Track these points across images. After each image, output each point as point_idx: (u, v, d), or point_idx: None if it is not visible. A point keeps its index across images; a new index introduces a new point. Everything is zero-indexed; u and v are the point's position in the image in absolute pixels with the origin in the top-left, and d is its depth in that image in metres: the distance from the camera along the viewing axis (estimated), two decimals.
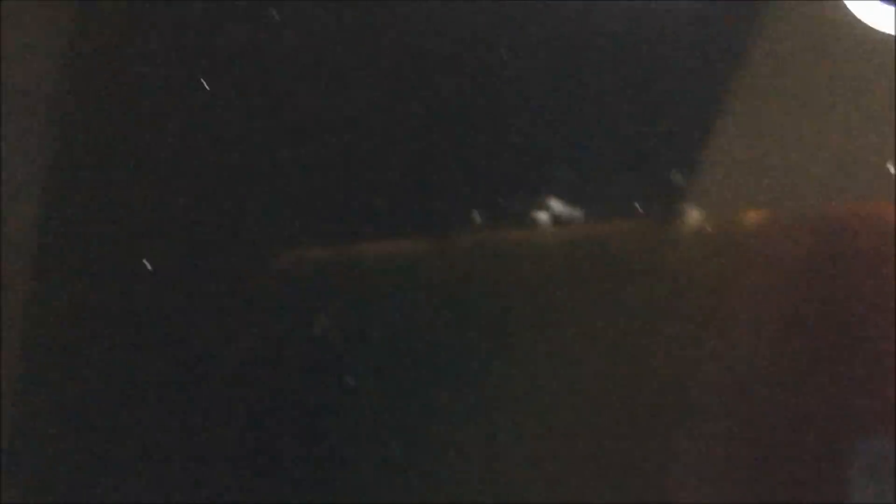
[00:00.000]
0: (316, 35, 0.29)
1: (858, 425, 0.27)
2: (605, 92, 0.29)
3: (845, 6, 0.28)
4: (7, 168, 0.29)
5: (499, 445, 0.28)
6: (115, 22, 0.29)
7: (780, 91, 0.28)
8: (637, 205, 0.28)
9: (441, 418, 0.28)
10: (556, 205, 0.29)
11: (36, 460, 0.28)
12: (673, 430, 0.28)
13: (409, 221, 0.29)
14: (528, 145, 0.29)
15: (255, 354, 0.28)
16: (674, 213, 0.28)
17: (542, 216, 0.29)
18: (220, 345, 0.28)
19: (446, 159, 0.29)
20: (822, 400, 0.27)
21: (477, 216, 0.29)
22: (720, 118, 0.28)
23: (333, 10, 0.29)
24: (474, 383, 0.28)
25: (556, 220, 0.29)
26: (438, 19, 0.29)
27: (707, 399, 0.28)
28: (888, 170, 0.27)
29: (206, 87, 0.29)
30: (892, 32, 0.28)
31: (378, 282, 0.29)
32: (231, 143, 0.29)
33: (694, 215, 0.28)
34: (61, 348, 0.29)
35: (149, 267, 0.29)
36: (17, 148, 0.29)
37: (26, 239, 0.29)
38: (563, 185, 0.29)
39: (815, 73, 0.28)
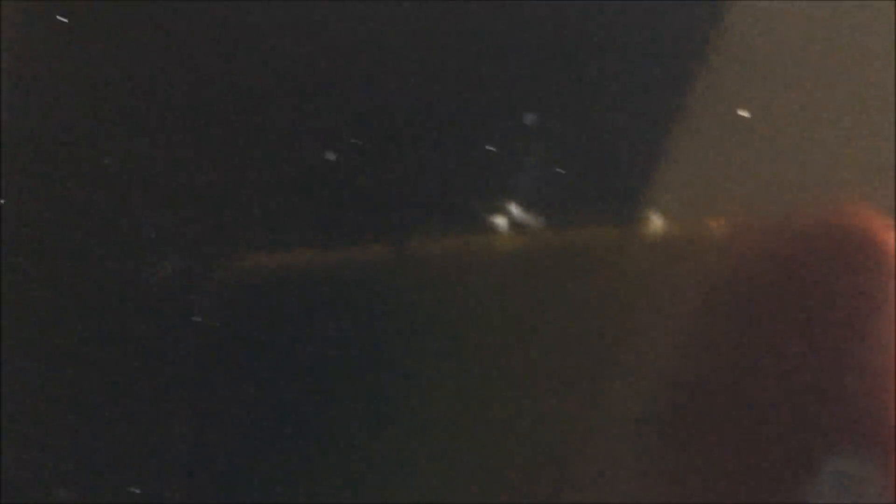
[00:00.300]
0: (270, 34, 0.28)
1: (826, 435, 0.27)
2: (566, 94, 0.27)
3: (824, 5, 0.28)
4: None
5: (458, 451, 0.27)
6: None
7: (751, 92, 0.28)
8: (600, 211, 0.27)
9: (399, 425, 0.27)
10: (516, 210, 0.27)
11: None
12: (635, 434, 0.27)
13: (365, 227, 0.27)
14: (487, 150, 0.27)
15: (220, 364, 0.27)
16: (638, 219, 0.27)
17: (501, 222, 0.27)
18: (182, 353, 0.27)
19: (402, 164, 0.27)
20: (789, 409, 0.27)
21: (434, 222, 0.27)
22: (686, 121, 0.27)
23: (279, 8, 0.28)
24: (432, 391, 0.27)
25: (516, 226, 0.27)
26: (396, 22, 0.27)
27: (670, 405, 0.27)
28: (864, 176, 0.27)
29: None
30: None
31: (334, 289, 0.27)
32: (192, 150, 0.27)
33: (657, 222, 0.27)
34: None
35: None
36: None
37: None
38: (522, 190, 0.27)
39: (789, 74, 0.28)
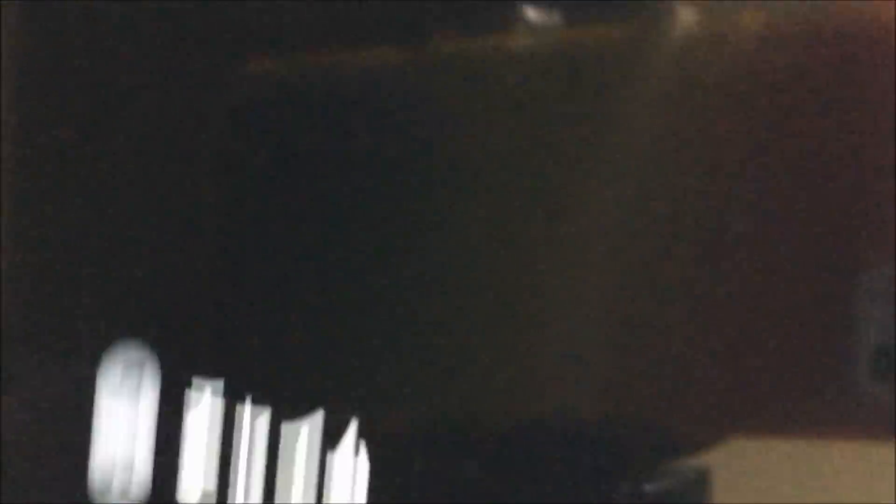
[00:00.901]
0: None
1: (860, 255, 0.26)
2: None
3: None
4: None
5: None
6: None
7: None
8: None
9: (412, 240, 0.27)
10: (531, 10, 0.26)
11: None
12: (642, 279, 0.26)
13: (384, 29, 0.27)
14: None
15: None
16: (660, 14, 0.26)
17: (519, 21, 0.26)
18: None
19: None
20: (813, 234, 0.26)
21: (452, 23, 0.26)
22: None
23: None
24: (449, 193, 0.27)
25: (531, 25, 0.26)
26: None
27: (687, 234, 0.26)
28: None
29: None
30: None
31: (355, 90, 0.27)
32: None
33: (683, 15, 0.26)
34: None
35: None
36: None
37: None
38: None
39: None
